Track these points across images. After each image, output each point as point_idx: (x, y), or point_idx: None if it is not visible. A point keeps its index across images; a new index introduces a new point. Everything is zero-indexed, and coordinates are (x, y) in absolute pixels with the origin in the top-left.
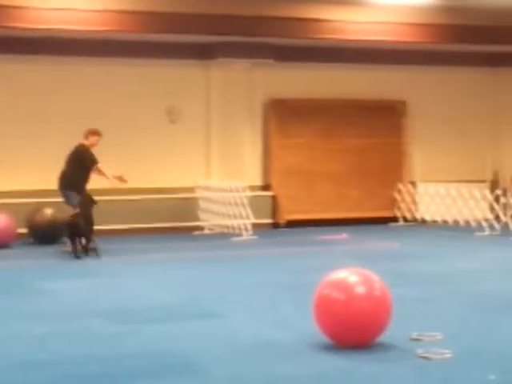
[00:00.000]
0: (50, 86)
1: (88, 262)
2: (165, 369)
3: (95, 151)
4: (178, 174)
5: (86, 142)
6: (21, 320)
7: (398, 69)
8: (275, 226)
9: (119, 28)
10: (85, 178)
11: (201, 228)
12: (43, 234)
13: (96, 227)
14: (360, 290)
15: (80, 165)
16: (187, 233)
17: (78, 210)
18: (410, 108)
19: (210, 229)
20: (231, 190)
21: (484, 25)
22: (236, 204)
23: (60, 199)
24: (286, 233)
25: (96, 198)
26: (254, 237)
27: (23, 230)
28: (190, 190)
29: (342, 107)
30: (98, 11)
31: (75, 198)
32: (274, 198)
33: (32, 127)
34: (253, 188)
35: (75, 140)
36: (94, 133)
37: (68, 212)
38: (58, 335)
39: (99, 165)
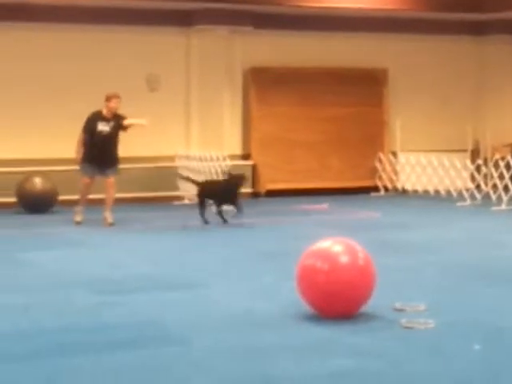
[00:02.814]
0: (27, 55)
1: (72, 233)
2: (146, 339)
3: None
4: (157, 143)
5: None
6: (2, 291)
7: (380, 37)
8: (255, 195)
9: None
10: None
11: (181, 198)
12: (32, 204)
13: (75, 197)
14: (344, 259)
15: None
16: (167, 202)
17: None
18: (392, 77)
19: (189, 199)
20: (211, 159)
21: None
22: (216, 173)
23: (49, 168)
24: (266, 202)
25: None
26: None
27: (13, 199)
28: (170, 158)
29: (322, 76)
30: None
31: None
32: (253, 167)
33: (17, 95)
34: (232, 157)
35: (60, 109)
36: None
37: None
38: (40, 306)
39: (79, 137)
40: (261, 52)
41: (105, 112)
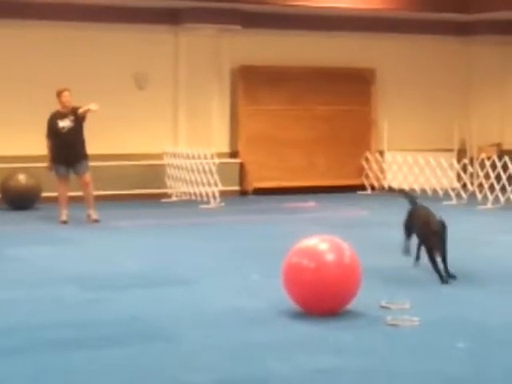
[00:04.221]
0: (16, 51)
1: (58, 230)
2: (135, 335)
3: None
4: (145, 141)
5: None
6: None
7: (368, 36)
8: (243, 193)
9: None
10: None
11: (168, 195)
12: (16, 200)
13: None
14: (330, 257)
15: None
16: (155, 200)
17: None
18: (379, 76)
19: (177, 196)
20: (199, 157)
21: None
22: (204, 171)
23: (33, 165)
24: (253, 200)
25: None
26: (222, 204)
27: None
28: (158, 156)
29: (310, 75)
30: None
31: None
32: (241, 165)
33: (1, 92)
34: (220, 155)
35: (46, 106)
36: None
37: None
38: (28, 302)
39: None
40: (249, 51)
41: (60, 109)
